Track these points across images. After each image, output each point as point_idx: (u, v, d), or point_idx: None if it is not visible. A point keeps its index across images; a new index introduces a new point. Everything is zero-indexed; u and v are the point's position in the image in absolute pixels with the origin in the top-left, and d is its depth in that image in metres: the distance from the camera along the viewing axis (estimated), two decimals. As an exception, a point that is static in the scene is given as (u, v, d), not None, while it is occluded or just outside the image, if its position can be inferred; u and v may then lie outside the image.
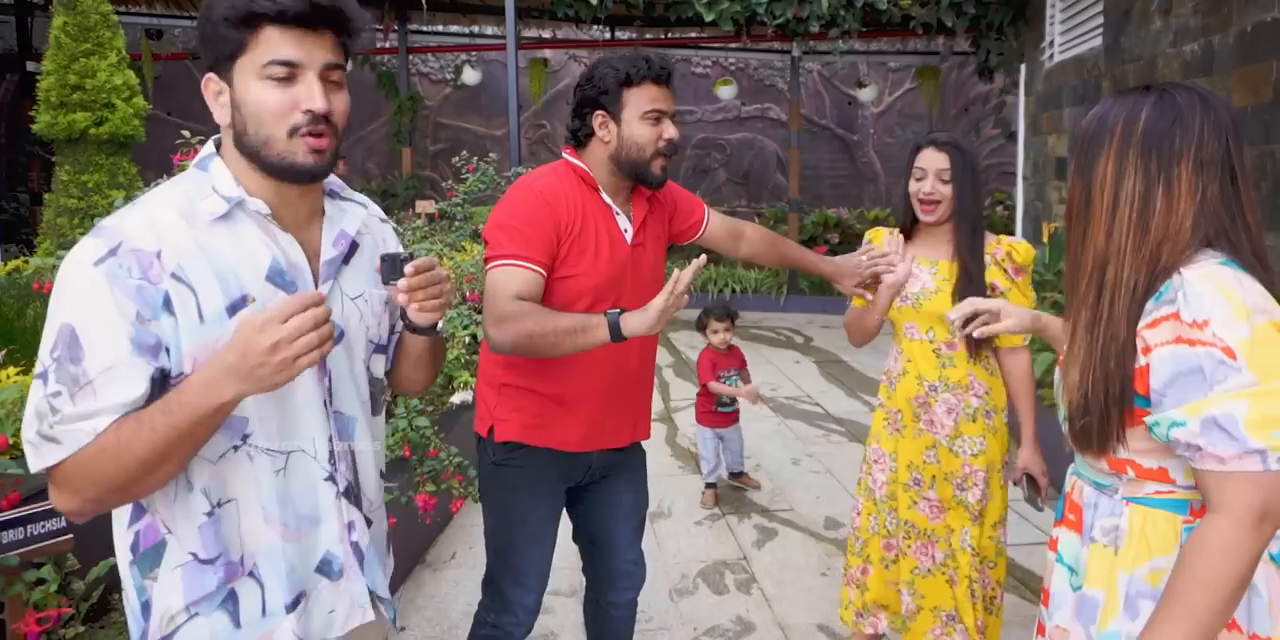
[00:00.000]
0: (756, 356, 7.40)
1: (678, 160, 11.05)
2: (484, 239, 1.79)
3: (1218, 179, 1.18)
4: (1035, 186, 6.73)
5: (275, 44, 1.09)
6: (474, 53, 10.02)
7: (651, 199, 1.98)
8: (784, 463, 4.65)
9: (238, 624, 1.14)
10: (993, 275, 2.19)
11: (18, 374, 2.48)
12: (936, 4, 7.23)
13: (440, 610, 3.01)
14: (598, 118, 1.82)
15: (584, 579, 2.26)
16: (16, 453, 2.39)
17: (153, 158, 7.24)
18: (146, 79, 8.38)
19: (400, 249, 1.33)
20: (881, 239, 2.27)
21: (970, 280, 2.14)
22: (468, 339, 3.56)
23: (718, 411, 4.08)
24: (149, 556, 1.13)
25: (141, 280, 1.04)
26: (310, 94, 1.10)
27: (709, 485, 4.06)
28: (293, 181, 1.14)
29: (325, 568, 1.22)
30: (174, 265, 1.07)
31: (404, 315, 1.28)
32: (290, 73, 1.09)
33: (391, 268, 1.16)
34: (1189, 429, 1.11)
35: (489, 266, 1.71)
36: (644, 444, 2.17)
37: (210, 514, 1.12)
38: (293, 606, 1.17)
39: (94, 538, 1.73)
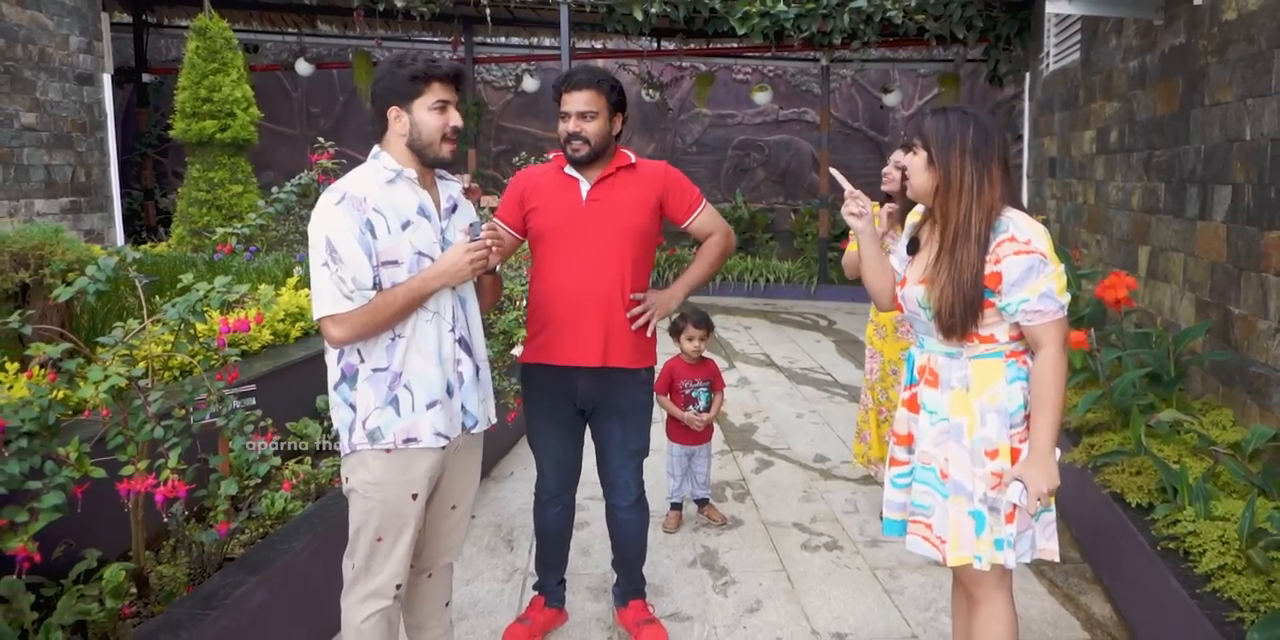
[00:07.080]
0: (782, 336, 8.20)
1: (719, 159, 11.86)
2: None
3: (1003, 169, 2.03)
4: (1035, 183, 7.41)
5: (438, 92, 2.03)
6: (533, 62, 10.97)
7: (629, 174, 2.63)
8: (790, 416, 5.47)
9: (399, 414, 2.05)
10: None
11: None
12: (949, 18, 7.94)
13: (501, 507, 3.93)
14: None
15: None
16: (244, 346, 3.31)
17: (258, 157, 8.17)
18: (246, 88, 9.43)
19: (476, 216, 2.26)
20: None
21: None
22: (521, 303, 4.45)
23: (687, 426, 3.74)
24: (351, 378, 2.04)
25: (357, 212, 1.95)
26: (455, 118, 2.07)
27: (674, 506, 3.81)
28: (433, 165, 2.10)
29: (448, 388, 2.12)
30: (374, 204, 1.97)
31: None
32: (444, 106, 2.05)
33: (476, 231, 2.11)
34: (1032, 302, 1.92)
35: None
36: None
37: (393, 339, 2.03)
38: (430, 406, 2.07)
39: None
